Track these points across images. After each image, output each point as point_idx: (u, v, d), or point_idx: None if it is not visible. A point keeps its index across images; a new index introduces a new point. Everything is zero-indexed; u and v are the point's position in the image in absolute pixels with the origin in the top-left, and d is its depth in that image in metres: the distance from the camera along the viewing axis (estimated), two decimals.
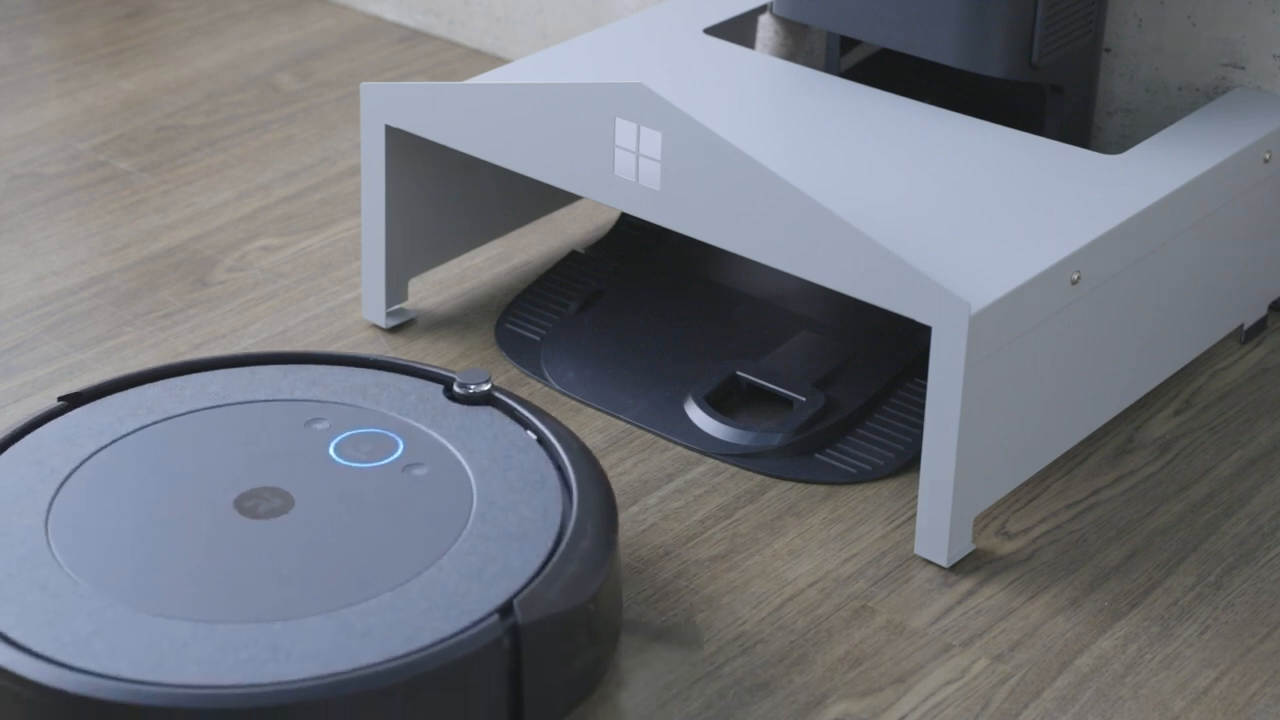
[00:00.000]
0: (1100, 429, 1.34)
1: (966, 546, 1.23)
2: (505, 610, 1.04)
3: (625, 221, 1.54)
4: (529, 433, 1.18)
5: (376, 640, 1.01)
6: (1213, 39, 1.47)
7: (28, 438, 1.15)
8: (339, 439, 1.16)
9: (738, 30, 1.53)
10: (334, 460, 1.15)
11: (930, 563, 1.22)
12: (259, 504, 1.11)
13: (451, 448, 1.16)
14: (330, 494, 1.12)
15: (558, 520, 1.11)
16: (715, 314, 1.43)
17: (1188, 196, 1.30)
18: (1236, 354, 1.43)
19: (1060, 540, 1.24)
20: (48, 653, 1.00)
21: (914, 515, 1.26)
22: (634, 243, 1.52)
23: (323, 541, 1.08)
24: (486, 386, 1.21)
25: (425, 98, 1.36)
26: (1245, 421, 1.36)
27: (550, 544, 1.09)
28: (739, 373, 1.36)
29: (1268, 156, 1.37)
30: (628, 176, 1.27)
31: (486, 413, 1.20)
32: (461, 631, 1.02)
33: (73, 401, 1.19)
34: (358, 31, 1.93)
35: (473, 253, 1.53)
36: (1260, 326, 1.45)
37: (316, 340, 1.43)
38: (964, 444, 1.18)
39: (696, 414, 1.33)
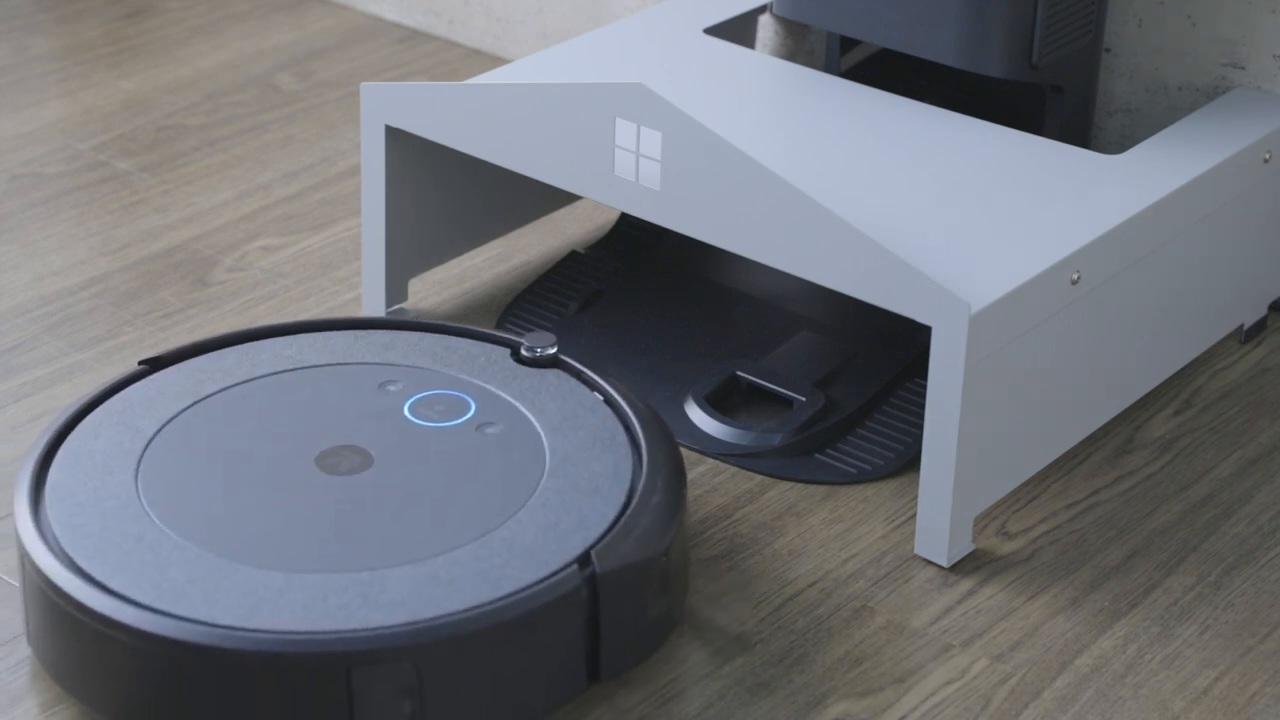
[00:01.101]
0: (1100, 429, 1.34)
1: (966, 546, 1.23)
2: (583, 560, 1.08)
3: (625, 221, 1.54)
4: (595, 394, 1.22)
5: (462, 588, 1.05)
6: (1213, 39, 1.47)
7: (111, 400, 1.19)
8: (413, 400, 1.20)
9: (738, 30, 1.53)
10: (409, 420, 1.19)
11: (930, 563, 1.22)
12: (340, 461, 1.15)
13: (522, 408, 1.20)
14: (407, 452, 1.16)
15: (628, 476, 1.14)
16: (715, 314, 1.43)
17: (1188, 196, 1.30)
18: (1236, 354, 1.43)
19: (1060, 540, 1.24)
20: (147, 601, 1.04)
21: (914, 515, 1.26)
22: (634, 243, 1.52)
23: (403, 497, 1.12)
24: (553, 350, 1.24)
25: (425, 98, 1.36)
26: (1245, 421, 1.36)
27: (622, 498, 1.13)
28: (739, 373, 1.36)
29: (1268, 156, 1.37)
30: (628, 176, 1.27)
31: (553, 375, 1.23)
32: (542, 580, 1.06)
33: (153, 365, 1.23)
34: (358, 31, 1.93)
35: (473, 253, 1.53)
36: (1260, 326, 1.45)
37: None
38: (964, 444, 1.18)
39: (696, 414, 1.33)
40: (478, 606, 1.04)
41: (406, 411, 1.19)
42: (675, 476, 1.15)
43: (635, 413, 1.19)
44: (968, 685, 1.13)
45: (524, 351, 1.24)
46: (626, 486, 1.14)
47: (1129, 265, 1.27)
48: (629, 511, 1.11)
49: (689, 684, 1.12)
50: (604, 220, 1.58)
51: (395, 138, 1.39)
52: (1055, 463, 1.31)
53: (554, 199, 1.52)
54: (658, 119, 1.24)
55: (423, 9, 1.91)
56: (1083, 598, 1.19)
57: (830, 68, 1.51)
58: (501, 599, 1.05)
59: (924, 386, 1.34)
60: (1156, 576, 1.21)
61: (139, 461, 1.14)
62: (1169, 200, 1.29)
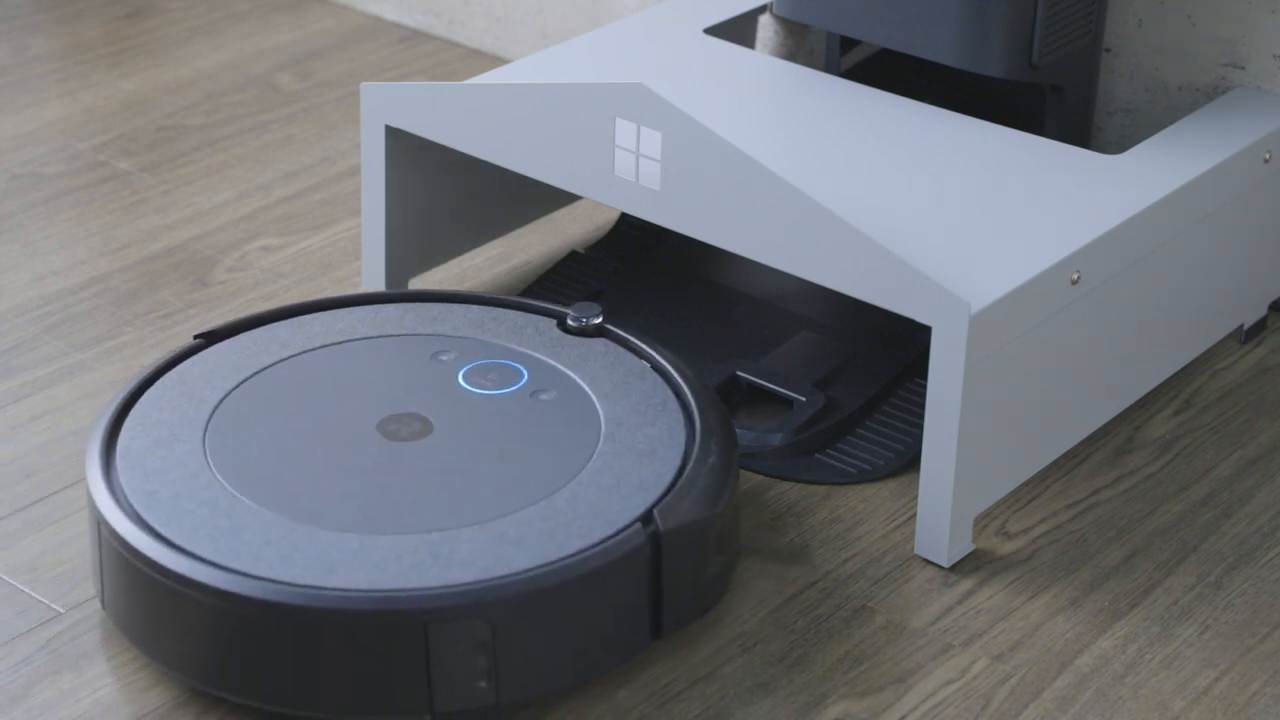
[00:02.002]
0: (1100, 429, 1.34)
1: (966, 546, 1.23)
2: (646, 519, 1.11)
3: (625, 221, 1.54)
4: (643, 361, 1.25)
5: (529, 547, 1.08)
6: (1213, 39, 1.47)
7: (170, 373, 1.22)
8: (466, 369, 1.24)
9: (738, 30, 1.53)
10: (464, 388, 1.22)
11: (930, 563, 1.22)
12: (400, 428, 1.18)
13: (573, 375, 1.24)
14: (465, 419, 1.19)
15: (682, 439, 1.18)
16: (715, 314, 1.43)
17: (1188, 196, 1.30)
18: (1236, 354, 1.43)
19: (1060, 540, 1.24)
20: (226, 563, 1.07)
21: (914, 515, 1.26)
22: (634, 243, 1.52)
23: (464, 461, 1.15)
24: (599, 319, 1.27)
25: (425, 98, 1.36)
26: (1245, 421, 1.36)
27: (678, 460, 1.16)
28: (739, 373, 1.36)
29: (1268, 156, 1.37)
30: (628, 176, 1.27)
31: (601, 344, 1.26)
32: (607, 539, 1.09)
33: (209, 339, 1.26)
34: (358, 31, 1.93)
35: (473, 253, 1.53)
36: (1260, 326, 1.45)
37: None
38: (964, 444, 1.18)
39: None
40: (546, 564, 1.07)
41: (461, 380, 1.22)
42: (727, 439, 1.18)
43: (684, 379, 1.23)
44: (968, 685, 1.13)
45: (570, 321, 1.27)
46: (681, 449, 1.17)
47: (1129, 265, 1.27)
48: (686, 472, 1.15)
49: (689, 684, 1.12)
50: (604, 220, 1.58)
51: (395, 138, 1.39)
52: (1055, 463, 1.31)
53: (554, 199, 1.52)
54: (658, 119, 1.24)
55: (423, 9, 1.91)
56: (1083, 598, 1.19)
57: (830, 68, 1.51)
58: (569, 557, 1.08)
59: (924, 386, 1.34)
60: (1156, 576, 1.21)
61: (205, 430, 1.17)
62: (1169, 200, 1.29)
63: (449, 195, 1.45)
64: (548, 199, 1.51)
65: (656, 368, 1.25)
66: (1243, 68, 1.47)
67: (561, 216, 1.58)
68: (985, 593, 1.20)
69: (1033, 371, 1.22)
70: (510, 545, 1.08)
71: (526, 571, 1.07)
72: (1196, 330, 1.38)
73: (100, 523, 1.11)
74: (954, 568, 1.22)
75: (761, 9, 1.54)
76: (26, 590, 1.19)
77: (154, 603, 1.08)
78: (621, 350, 1.26)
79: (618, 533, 1.10)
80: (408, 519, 1.10)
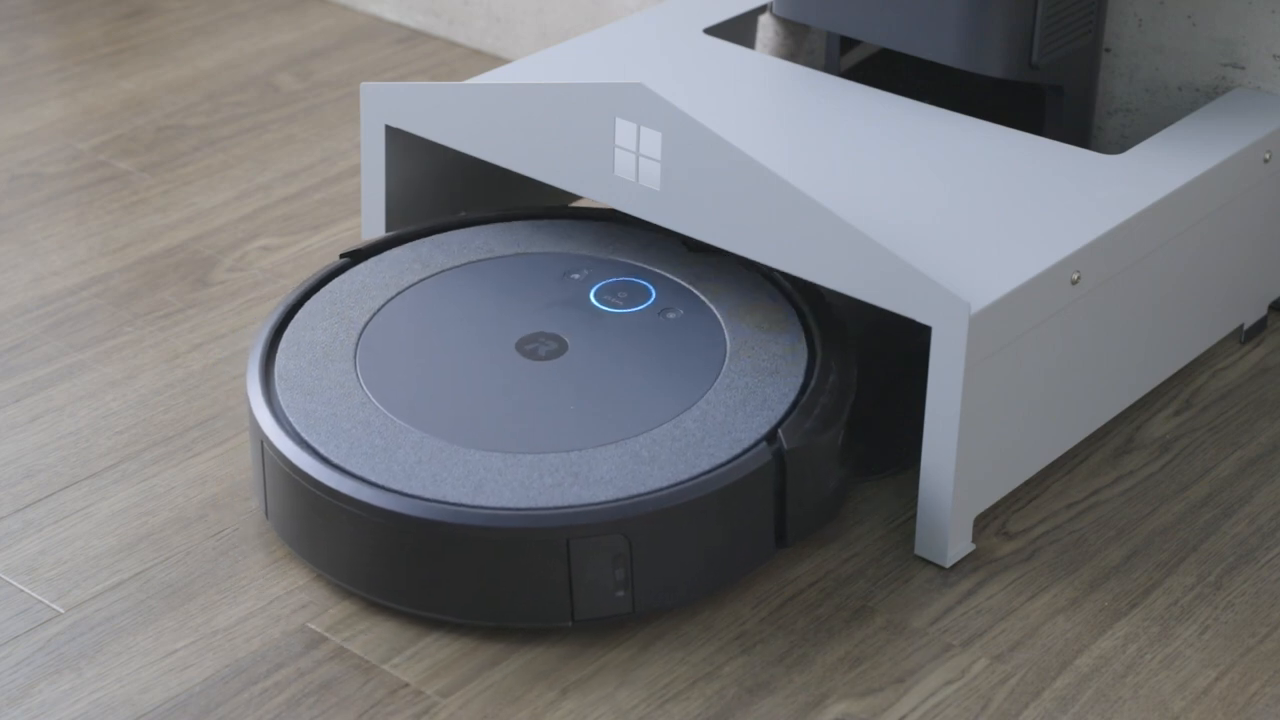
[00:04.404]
0: (1100, 429, 1.34)
1: (966, 546, 1.23)
2: (771, 437, 1.17)
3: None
4: (765, 279, 1.30)
5: (662, 466, 1.15)
6: (1213, 39, 1.47)
7: (320, 293, 1.29)
8: (597, 287, 1.30)
9: (738, 30, 1.53)
10: (596, 307, 1.28)
11: (930, 563, 1.22)
12: (538, 347, 1.24)
13: (698, 293, 1.29)
14: (598, 337, 1.25)
15: (804, 356, 1.23)
16: None
17: (1188, 196, 1.30)
18: (1236, 354, 1.43)
19: (1060, 540, 1.24)
20: (383, 481, 1.14)
21: (914, 515, 1.26)
22: None
23: (598, 380, 1.22)
24: None
25: (425, 98, 1.36)
26: (1245, 421, 1.36)
27: (801, 378, 1.22)
28: None
29: (1268, 156, 1.37)
30: (628, 176, 1.27)
31: (724, 262, 1.32)
32: (735, 458, 1.15)
33: (354, 258, 1.33)
34: (358, 31, 1.93)
35: None
36: (1260, 326, 1.45)
37: None
38: (964, 444, 1.18)
39: None
40: (678, 483, 1.14)
41: (593, 298, 1.29)
42: (847, 357, 1.23)
43: (805, 296, 1.27)
44: (968, 685, 1.13)
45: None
46: (804, 366, 1.22)
47: (1129, 265, 1.27)
48: (808, 391, 1.20)
49: (689, 684, 1.12)
50: None
51: (395, 138, 1.39)
52: (1055, 463, 1.31)
53: (554, 199, 1.52)
54: (658, 119, 1.24)
55: (423, 9, 1.91)
56: (1083, 598, 1.19)
57: (830, 68, 1.51)
58: (699, 475, 1.14)
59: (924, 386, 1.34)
60: (1156, 576, 1.21)
61: (355, 350, 1.24)
62: (1169, 200, 1.29)
63: (449, 195, 1.44)
64: (547, 199, 1.51)
65: (777, 285, 1.29)
66: (1243, 68, 1.47)
67: None
68: (985, 593, 1.20)
69: (1033, 371, 1.22)
70: (644, 464, 1.15)
71: (660, 490, 1.13)
72: (1196, 330, 1.38)
73: (263, 441, 1.18)
74: (954, 568, 1.22)
75: (761, 9, 1.54)
76: (26, 590, 1.19)
77: (316, 517, 1.16)
78: (744, 269, 1.31)
79: (744, 451, 1.16)
80: (548, 438, 1.17)
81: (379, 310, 1.28)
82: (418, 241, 1.34)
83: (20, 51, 1.87)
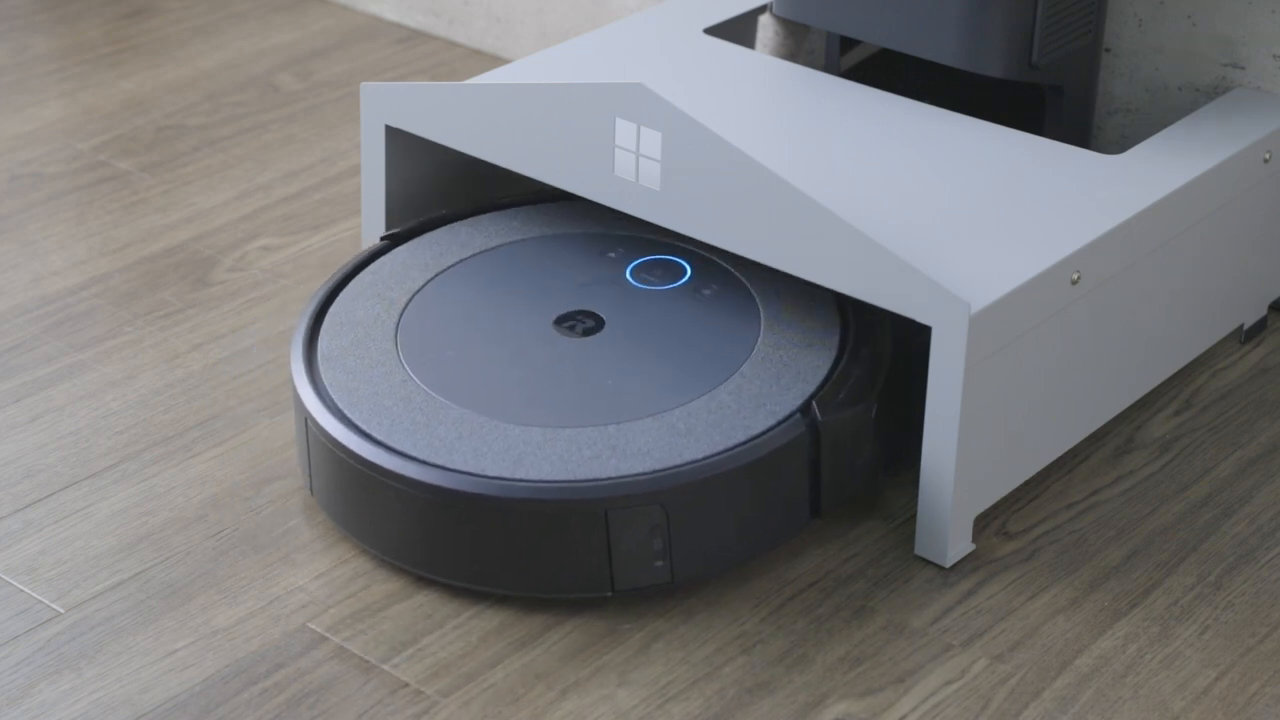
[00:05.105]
0: (1100, 429, 1.34)
1: (966, 546, 1.23)
2: (805, 409, 1.19)
3: None
4: None
5: (699, 438, 1.17)
6: (1213, 39, 1.47)
7: (362, 273, 1.32)
8: (633, 265, 1.32)
9: (738, 30, 1.53)
10: (632, 284, 1.30)
11: (930, 563, 1.22)
12: (575, 324, 1.27)
13: (733, 270, 1.31)
14: (634, 314, 1.28)
15: (838, 331, 1.25)
16: None
17: (1188, 196, 1.30)
18: (1236, 354, 1.43)
19: (1060, 540, 1.24)
20: (425, 457, 1.16)
21: (914, 515, 1.26)
22: None
23: (635, 355, 1.24)
24: None
25: (425, 98, 1.36)
26: (1245, 421, 1.36)
27: (834, 351, 1.24)
28: None
29: (1268, 156, 1.37)
30: (628, 176, 1.27)
31: None
32: (770, 429, 1.18)
33: (394, 241, 1.35)
34: (358, 31, 1.93)
35: None
36: (1260, 326, 1.45)
37: None
38: (964, 444, 1.18)
39: None
40: (714, 454, 1.16)
41: (629, 276, 1.31)
42: (880, 330, 1.25)
43: None
44: (968, 685, 1.13)
45: None
46: (837, 339, 1.24)
47: (1129, 265, 1.27)
48: (841, 364, 1.22)
49: (689, 684, 1.12)
50: None
51: (395, 138, 1.39)
52: (1055, 463, 1.31)
53: (554, 198, 1.52)
54: (658, 119, 1.24)
55: (423, 9, 1.91)
56: (1083, 598, 1.19)
57: (830, 68, 1.51)
58: (735, 446, 1.16)
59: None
60: (1156, 576, 1.21)
61: (396, 329, 1.26)
62: (1169, 200, 1.29)
63: (449, 195, 1.44)
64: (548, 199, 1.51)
65: None
66: (1243, 68, 1.47)
67: None
68: (985, 593, 1.20)
69: (1033, 371, 1.22)
70: (681, 436, 1.17)
71: (696, 461, 1.15)
72: (1196, 330, 1.38)
73: (308, 419, 1.21)
74: (954, 568, 1.22)
75: (761, 9, 1.54)
76: (26, 590, 1.19)
77: (361, 493, 1.18)
78: None
79: (779, 423, 1.18)
80: (586, 412, 1.19)
81: (419, 291, 1.30)
82: (456, 224, 1.37)
83: (20, 51, 1.87)
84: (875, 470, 1.23)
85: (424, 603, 1.18)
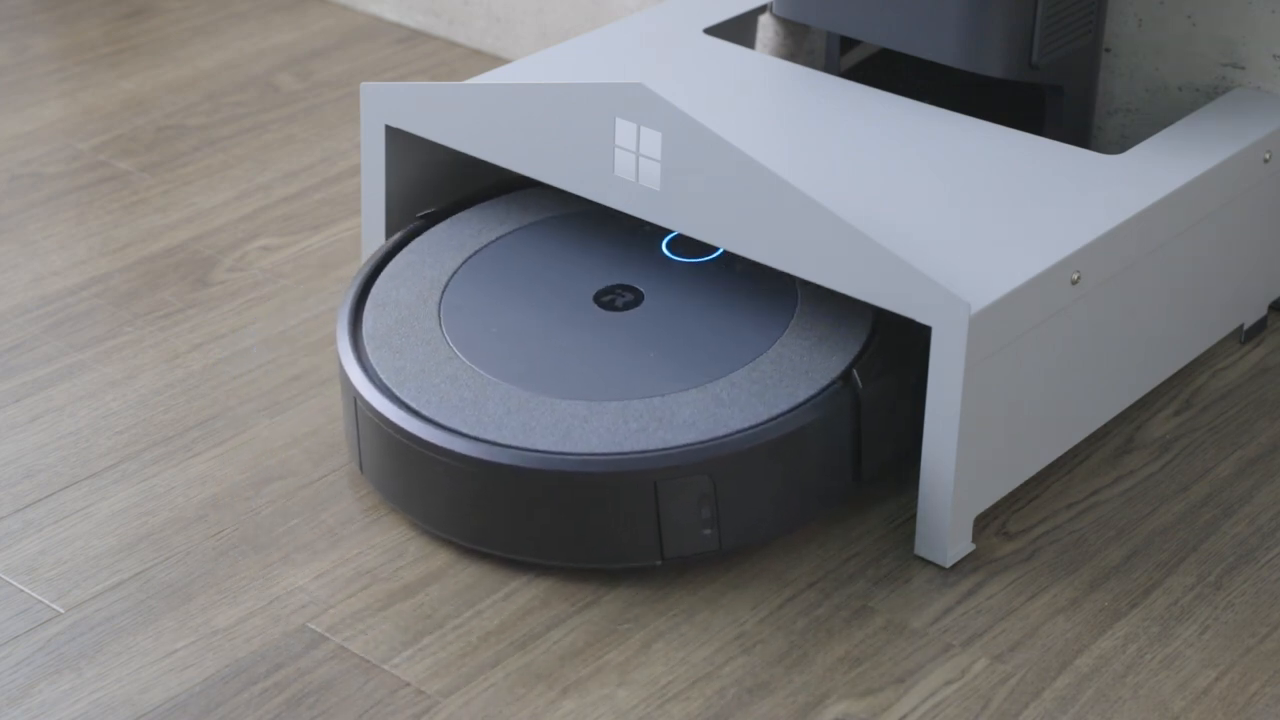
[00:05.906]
0: (1100, 429, 1.34)
1: (966, 546, 1.23)
2: (845, 377, 1.21)
3: None
4: None
5: (742, 408, 1.19)
6: (1213, 39, 1.47)
7: (402, 253, 1.34)
8: (668, 238, 1.34)
9: (738, 30, 1.53)
10: (668, 257, 1.32)
11: (930, 563, 1.22)
12: (615, 298, 1.29)
13: None
14: (671, 287, 1.30)
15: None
16: None
17: (1188, 196, 1.30)
18: (1236, 354, 1.43)
19: (1060, 540, 1.24)
20: (474, 432, 1.18)
21: (914, 515, 1.26)
22: None
23: (675, 327, 1.26)
24: None
25: (425, 98, 1.36)
26: (1245, 421, 1.36)
27: (871, 319, 1.25)
28: None
29: (1268, 156, 1.37)
30: (628, 176, 1.27)
31: None
32: (812, 397, 1.20)
33: (430, 220, 1.37)
34: (358, 31, 1.93)
35: None
36: (1260, 326, 1.45)
37: (317, 340, 1.43)
38: (964, 444, 1.18)
39: None
40: (759, 424, 1.18)
41: (664, 249, 1.33)
42: None
43: None
44: (968, 685, 1.13)
45: None
46: (873, 308, 1.25)
47: (1129, 265, 1.27)
48: (878, 332, 1.24)
49: (689, 684, 1.12)
50: None
51: (395, 138, 1.39)
52: (1055, 463, 1.31)
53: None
54: (658, 119, 1.24)
55: (423, 9, 1.91)
56: (1083, 598, 1.19)
57: (830, 68, 1.51)
58: (778, 416, 1.18)
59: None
60: (1156, 576, 1.21)
61: (439, 308, 1.28)
62: (1169, 200, 1.29)
63: (449, 195, 1.44)
64: None
65: None
66: (1243, 68, 1.47)
67: None
68: (985, 593, 1.20)
69: (1033, 371, 1.22)
70: (725, 407, 1.19)
71: (741, 431, 1.17)
72: (1196, 330, 1.38)
73: (356, 398, 1.23)
74: (954, 568, 1.22)
75: (761, 9, 1.54)
76: (26, 590, 1.19)
77: (410, 469, 1.20)
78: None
79: (820, 391, 1.20)
80: (630, 386, 1.21)
81: (459, 268, 1.32)
82: (489, 202, 1.38)
83: (20, 51, 1.87)
84: (914, 435, 1.25)
85: (424, 603, 1.18)
